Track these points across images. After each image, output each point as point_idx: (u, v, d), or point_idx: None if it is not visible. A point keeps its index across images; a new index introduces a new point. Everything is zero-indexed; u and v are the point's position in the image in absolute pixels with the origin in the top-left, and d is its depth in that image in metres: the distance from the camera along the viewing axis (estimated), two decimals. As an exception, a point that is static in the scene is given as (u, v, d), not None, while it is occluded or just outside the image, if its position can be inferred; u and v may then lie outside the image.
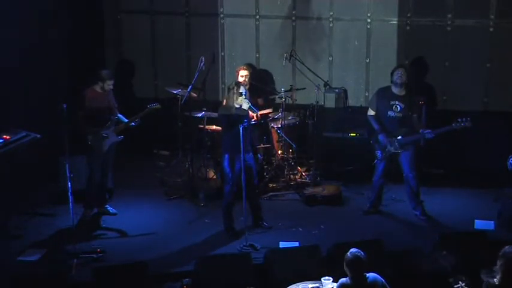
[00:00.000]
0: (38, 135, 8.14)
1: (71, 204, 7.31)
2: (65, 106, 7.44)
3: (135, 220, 8.36)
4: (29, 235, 7.89)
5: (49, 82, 9.24)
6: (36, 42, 9.07)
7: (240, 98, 7.67)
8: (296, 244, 7.38)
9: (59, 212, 8.30)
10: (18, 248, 7.51)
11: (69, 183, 7.28)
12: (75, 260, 7.06)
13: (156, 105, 8.37)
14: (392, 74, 8.07)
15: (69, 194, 7.29)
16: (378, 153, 8.20)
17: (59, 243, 7.64)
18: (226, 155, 7.78)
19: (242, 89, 7.70)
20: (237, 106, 7.70)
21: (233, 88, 7.76)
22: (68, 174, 7.28)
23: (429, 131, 7.90)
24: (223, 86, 10.43)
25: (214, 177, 9.04)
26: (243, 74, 9.38)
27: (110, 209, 8.44)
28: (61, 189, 8.26)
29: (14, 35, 8.63)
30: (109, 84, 8.10)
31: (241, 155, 7.57)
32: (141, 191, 9.20)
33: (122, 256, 7.33)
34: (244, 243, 7.51)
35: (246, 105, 7.71)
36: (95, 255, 7.24)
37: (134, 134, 8.55)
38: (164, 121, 9.73)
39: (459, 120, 7.82)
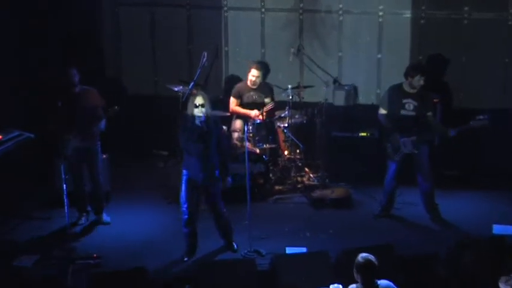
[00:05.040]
0: (32, 135, 8.17)
1: (66, 207, 7.35)
2: (59, 104, 7.50)
3: (134, 224, 8.40)
4: (22, 240, 7.93)
5: (42, 78, 9.27)
6: (30, 36, 9.13)
7: (196, 109, 7.17)
8: (303, 250, 7.40)
9: (54, 215, 8.35)
10: (11, 253, 7.54)
11: (64, 185, 7.31)
12: (70, 266, 7.09)
13: (115, 108, 8.19)
14: (412, 76, 8.01)
15: (64, 196, 7.31)
16: (390, 154, 8.21)
17: (53, 248, 7.67)
18: (184, 172, 7.37)
19: (200, 101, 7.15)
20: (196, 117, 7.20)
21: (193, 96, 7.34)
22: (62, 176, 7.31)
23: (452, 130, 7.94)
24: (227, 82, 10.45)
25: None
26: (254, 74, 9.38)
27: (105, 218, 8.44)
28: (56, 192, 8.30)
29: (10, 30, 8.70)
30: (71, 75, 7.99)
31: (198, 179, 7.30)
32: (139, 194, 9.25)
33: (119, 262, 7.36)
34: (249, 249, 7.54)
35: (198, 116, 7.17)
36: (91, 261, 7.27)
37: (133, 133, 8.57)
38: (164, 120, 9.76)
39: (478, 118, 7.83)
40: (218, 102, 9.23)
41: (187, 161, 7.34)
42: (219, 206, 7.47)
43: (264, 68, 9.68)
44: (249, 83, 9.47)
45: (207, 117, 7.22)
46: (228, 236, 7.65)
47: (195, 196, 7.40)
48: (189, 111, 7.27)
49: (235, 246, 7.63)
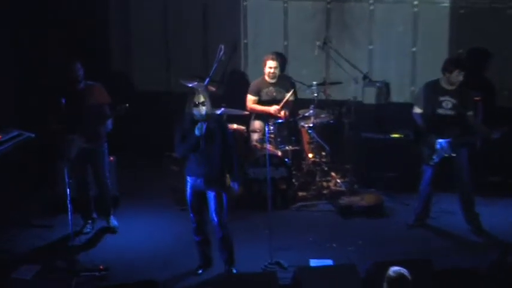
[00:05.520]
0: (32, 135, 8.21)
1: (69, 214, 7.36)
2: (63, 101, 7.51)
3: (143, 233, 8.43)
4: (21, 250, 7.96)
5: (43, 74, 9.32)
6: (28, 27, 9.20)
7: (196, 108, 7.02)
8: (329, 262, 7.41)
9: (56, 222, 8.40)
10: (10, 265, 7.56)
11: (68, 190, 7.33)
12: (74, 279, 7.11)
13: (125, 106, 8.14)
14: (450, 71, 7.97)
15: (68, 202, 7.33)
16: (426, 157, 8.17)
17: (56, 259, 7.69)
18: (187, 178, 7.32)
19: (200, 98, 7.02)
20: (196, 116, 7.07)
21: (191, 95, 7.15)
22: (66, 180, 7.33)
23: (495, 131, 7.90)
24: (246, 78, 10.43)
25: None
26: (271, 66, 9.41)
27: (112, 221, 8.47)
28: (58, 197, 8.33)
29: (8, 18, 8.76)
30: (75, 70, 7.98)
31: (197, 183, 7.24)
32: (151, 200, 9.29)
33: (127, 274, 7.37)
34: (270, 261, 7.52)
35: (198, 115, 7.04)
36: (97, 273, 7.27)
37: (142, 133, 8.57)
38: (177, 119, 9.77)
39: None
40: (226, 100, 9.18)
41: (189, 165, 7.29)
42: (221, 216, 7.29)
43: (280, 58, 9.67)
44: (267, 77, 9.48)
45: (208, 117, 7.15)
46: (227, 253, 7.43)
47: (201, 204, 7.33)
48: (188, 110, 7.17)
49: (234, 270, 7.44)
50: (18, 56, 9.27)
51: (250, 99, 9.56)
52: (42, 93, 8.88)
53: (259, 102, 9.56)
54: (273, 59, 9.45)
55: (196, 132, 7.02)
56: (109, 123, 8.13)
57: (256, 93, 9.56)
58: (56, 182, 8.63)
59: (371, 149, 9.62)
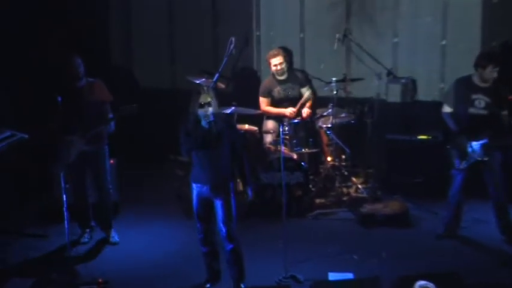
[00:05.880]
0: (26, 135, 8.24)
1: (66, 222, 7.38)
2: (59, 99, 7.51)
3: (146, 243, 8.45)
4: (15, 261, 7.98)
5: (43, 73, 9.36)
6: (28, 29, 9.28)
7: (201, 109, 6.96)
8: (350, 276, 7.39)
9: (52, 232, 8.42)
10: (1, 277, 7.57)
11: (64, 196, 7.34)
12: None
13: (132, 106, 8.11)
14: (483, 67, 7.95)
15: (64, 209, 7.35)
16: (456, 161, 8.15)
17: (51, 271, 7.69)
18: (193, 185, 7.28)
19: (205, 98, 6.95)
20: (201, 117, 7.01)
21: (195, 95, 7.06)
22: (62, 185, 7.34)
23: None
24: (259, 74, 10.44)
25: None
26: (275, 63, 9.43)
27: (113, 237, 8.48)
28: (54, 203, 8.35)
29: (8, 18, 8.85)
30: (75, 66, 7.97)
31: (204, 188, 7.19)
32: (154, 206, 9.33)
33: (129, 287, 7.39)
34: (284, 274, 7.50)
35: (203, 116, 6.98)
36: (95, 287, 7.27)
37: (145, 134, 8.57)
38: (180, 119, 9.79)
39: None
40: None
41: (194, 171, 7.25)
42: (229, 226, 7.22)
43: (284, 52, 9.65)
44: (275, 75, 9.49)
45: (216, 118, 7.08)
46: (236, 268, 7.34)
47: (208, 212, 7.28)
48: (192, 110, 7.10)
49: (243, 286, 7.40)
50: (18, 56, 9.33)
51: (263, 101, 9.58)
52: (42, 94, 8.91)
53: (273, 102, 9.56)
54: (274, 56, 9.45)
55: (203, 123, 7.00)
56: (112, 124, 8.14)
57: (268, 93, 9.56)
58: (51, 187, 8.66)
59: (396, 152, 9.61)
